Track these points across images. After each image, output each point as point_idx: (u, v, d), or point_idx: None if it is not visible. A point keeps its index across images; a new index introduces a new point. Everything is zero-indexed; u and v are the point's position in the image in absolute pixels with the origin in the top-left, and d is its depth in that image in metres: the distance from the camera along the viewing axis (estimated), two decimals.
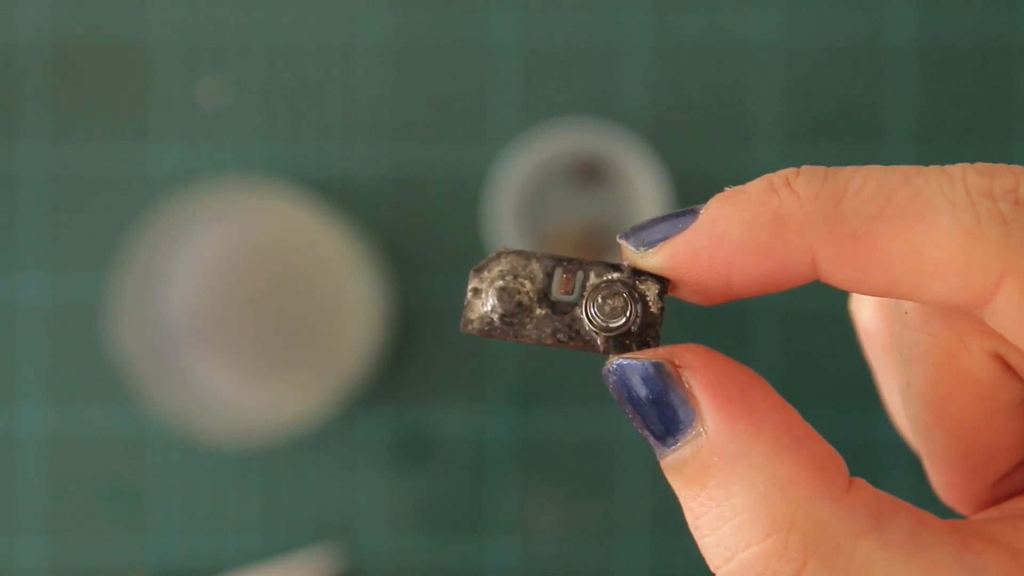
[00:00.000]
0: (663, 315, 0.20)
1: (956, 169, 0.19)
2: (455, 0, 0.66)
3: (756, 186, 0.19)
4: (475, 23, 0.66)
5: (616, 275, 0.21)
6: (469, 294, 0.21)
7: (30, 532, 0.67)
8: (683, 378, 0.20)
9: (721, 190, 0.20)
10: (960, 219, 0.18)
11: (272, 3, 0.66)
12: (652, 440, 0.20)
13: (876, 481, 0.19)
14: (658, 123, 0.65)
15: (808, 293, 0.64)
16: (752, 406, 0.19)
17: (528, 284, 0.21)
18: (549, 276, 0.21)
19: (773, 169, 0.20)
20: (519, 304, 0.21)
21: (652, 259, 0.20)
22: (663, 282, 0.20)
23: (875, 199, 0.19)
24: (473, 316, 0.21)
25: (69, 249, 0.67)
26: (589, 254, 0.65)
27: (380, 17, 0.66)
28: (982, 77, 0.65)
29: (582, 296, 0.21)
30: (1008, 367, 0.20)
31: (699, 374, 0.19)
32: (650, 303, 0.20)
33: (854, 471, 0.19)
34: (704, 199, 0.20)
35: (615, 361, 0.20)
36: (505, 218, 0.63)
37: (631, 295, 0.20)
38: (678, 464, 0.19)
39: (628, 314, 0.20)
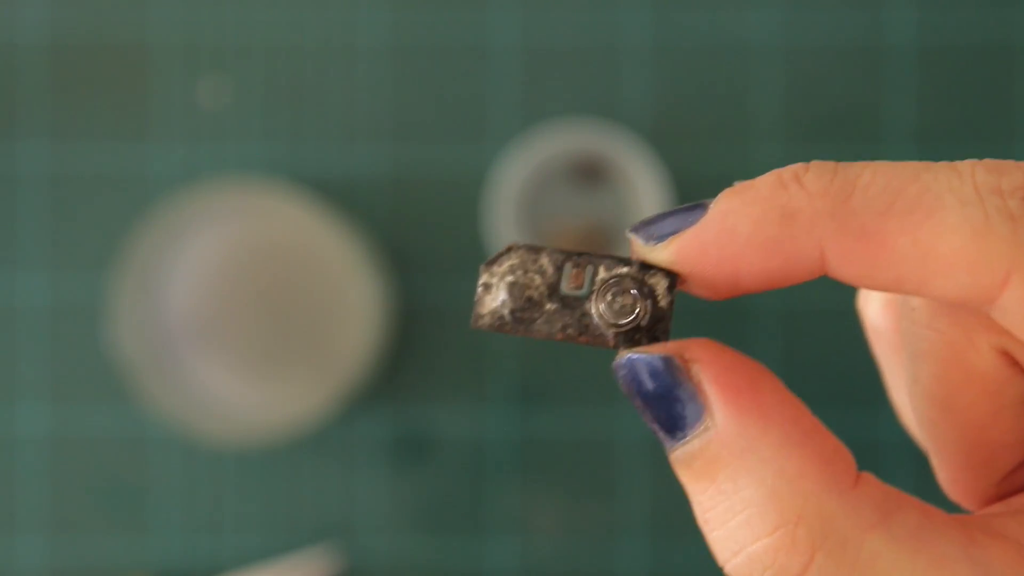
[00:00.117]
0: (672, 309, 0.21)
1: (965, 165, 0.19)
2: (455, 0, 0.66)
3: (765, 181, 0.20)
4: (475, 23, 0.66)
5: (626, 269, 0.21)
6: (479, 289, 0.21)
7: (30, 532, 0.67)
8: (692, 372, 0.20)
9: (723, 188, 0.20)
10: (968, 216, 0.18)
11: (272, 3, 0.66)
12: (661, 434, 0.20)
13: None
14: (658, 123, 0.65)
15: (809, 291, 0.64)
16: (761, 400, 0.19)
17: (538, 279, 0.21)
18: (559, 271, 0.21)
19: (772, 169, 0.20)
20: (529, 299, 0.21)
21: (661, 253, 0.20)
22: (672, 276, 0.21)
23: (884, 195, 0.19)
24: (484, 311, 0.21)
25: (69, 249, 0.67)
26: None
27: (380, 17, 0.66)
28: (982, 77, 0.65)
29: (592, 291, 0.21)
30: (1015, 363, 0.20)
31: (708, 368, 0.20)
32: (659, 297, 0.21)
33: None
34: (704, 199, 0.20)
35: (625, 355, 0.20)
36: (505, 218, 0.63)
37: (640, 290, 0.20)
38: (687, 458, 0.20)
39: (638, 309, 0.20)
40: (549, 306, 0.21)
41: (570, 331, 0.21)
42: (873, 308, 0.24)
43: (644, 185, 0.63)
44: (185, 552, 0.66)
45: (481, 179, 0.65)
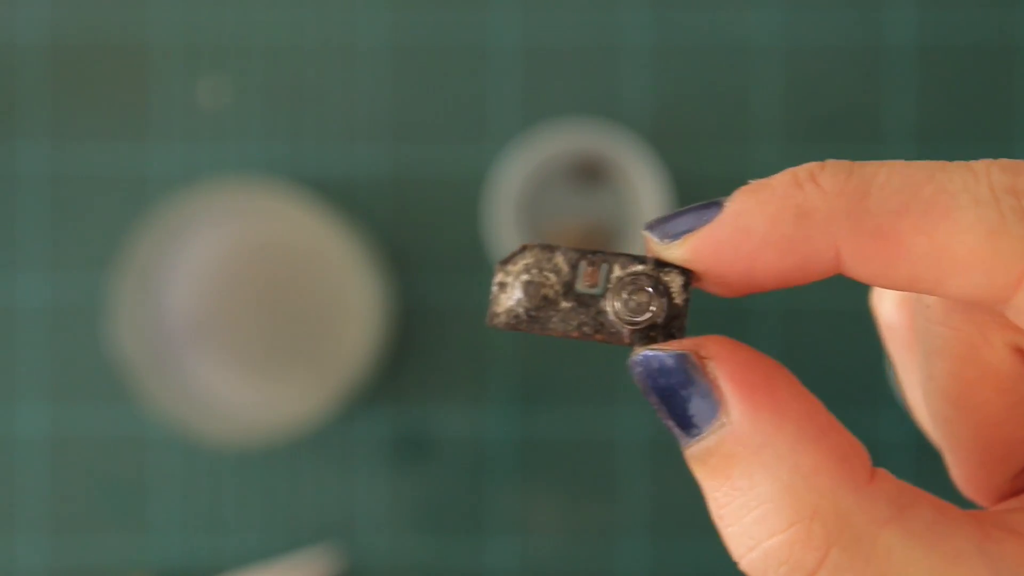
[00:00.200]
0: (688, 306, 0.21)
1: (980, 165, 0.19)
2: (455, 0, 0.66)
3: (781, 180, 0.20)
4: (475, 23, 0.66)
5: (640, 267, 0.21)
6: (495, 288, 0.21)
7: (30, 532, 0.67)
8: (708, 369, 0.20)
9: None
10: (983, 216, 0.18)
11: (272, 3, 0.66)
12: (676, 430, 0.20)
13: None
14: (658, 123, 0.65)
15: (809, 291, 0.64)
16: (776, 396, 0.19)
17: (553, 277, 0.21)
18: (574, 269, 0.21)
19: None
20: (545, 297, 0.21)
21: (676, 251, 0.20)
22: (687, 274, 0.21)
23: (899, 195, 0.19)
24: (499, 310, 0.21)
25: (69, 249, 0.67)
26: None
27: (380, 17, 0.66)
28: (982, 77, 0.65)
29: (607, 289, 0.21)
30: None
31: (724, 365, 0.20)
32: (674, 295, 0.21)
33: None
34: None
35: (641, 352, 0.20)
36: (505, 218, 0.63)
37: (656, 288, 0.21)
38: (702, 454, 0.20)
39: (653, 307, 0.20)
40: (564, 304, 0.21)
41: (586, 329, 0.21)
42: (887, 306, 0.24)
43: (644, 185, 0.63)
44: (185, 552, 0.66)
45: (481, 179, 0.65)
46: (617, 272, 0.21)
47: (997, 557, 0.18)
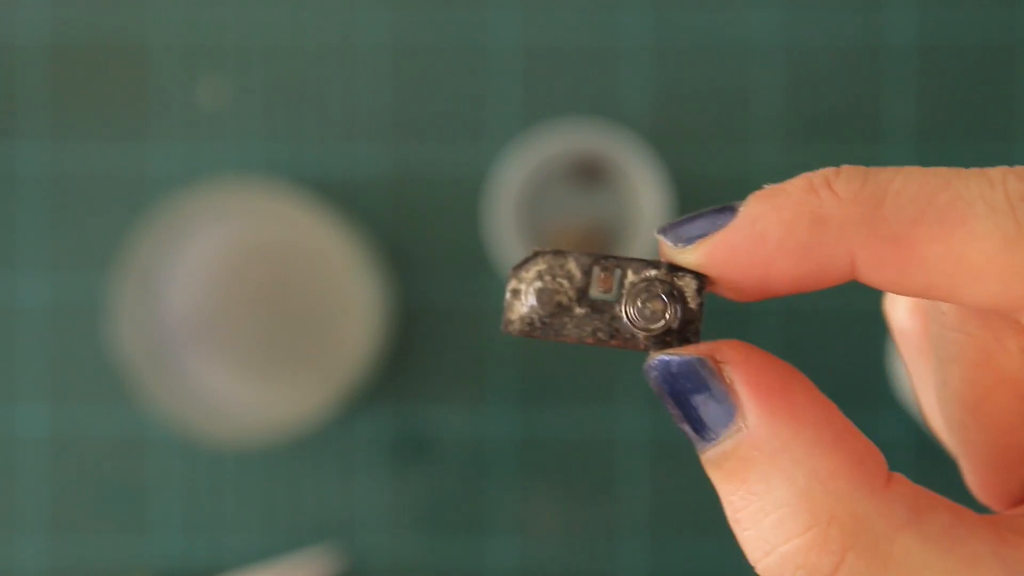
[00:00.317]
0: (702, 310, 0.21)
1: (996, 173, 0.19)
2: (455, 0, 0.66)
3: (796, 185, 0.20)
4: (475, 23, 0.66)
5: (654, 272, 0.21)
6: (508, 295, 0.21)
7: (30, 532, 0.67)
8: (724, 373, 0.20)
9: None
10: (1000, 224, 0.18)
11: (272, 3, 0.66)
12: (692, 435, 0.20)
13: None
14: (658, 123, 0.65)
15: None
16: (793, 401, 0.19)
17: (566, 283, 0.21)
18: (587, 274, 0.21)
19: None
20: (558, 304, 0.21)
21: (690, 256, 0.20)
22: (701, 278, 0.21)
23: (915, 202, 0.19)
24: (514, 317, 0.21)
25: (69, 249, 0.67)
26: None
27: (380, 17, 0.66)
28: (982, 77, 0.65)
29: (621, 294, 0.21)
30: None
31: (740, 369, 0.20)
32: (689, 299, 0.21)
33: None
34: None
35: (656, 357, 0.20)
36: (505, 218, 0.63)
37: (670, 293, 0.21)
38: (718, 458, 0.20)
39: (668, 313, 0.20)
40: (578, 310, 0.21)
41: (600, 335, 0.21)
42: (900, 311, 0.24)
43: (644, 185, 0.63)
44: (185, 552, 0.66)
45: (481, 179, 0.65)
46: (631, 277, 0.21)
47: (1013, 561, 0.18)
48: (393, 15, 0.66)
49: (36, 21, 0.67)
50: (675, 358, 0.20)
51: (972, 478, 0.22)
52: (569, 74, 0.66)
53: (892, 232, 0.19)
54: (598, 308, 0.21)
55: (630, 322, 0.21)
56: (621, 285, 0.21)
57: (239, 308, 0.66)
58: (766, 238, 0.19)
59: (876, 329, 0.64)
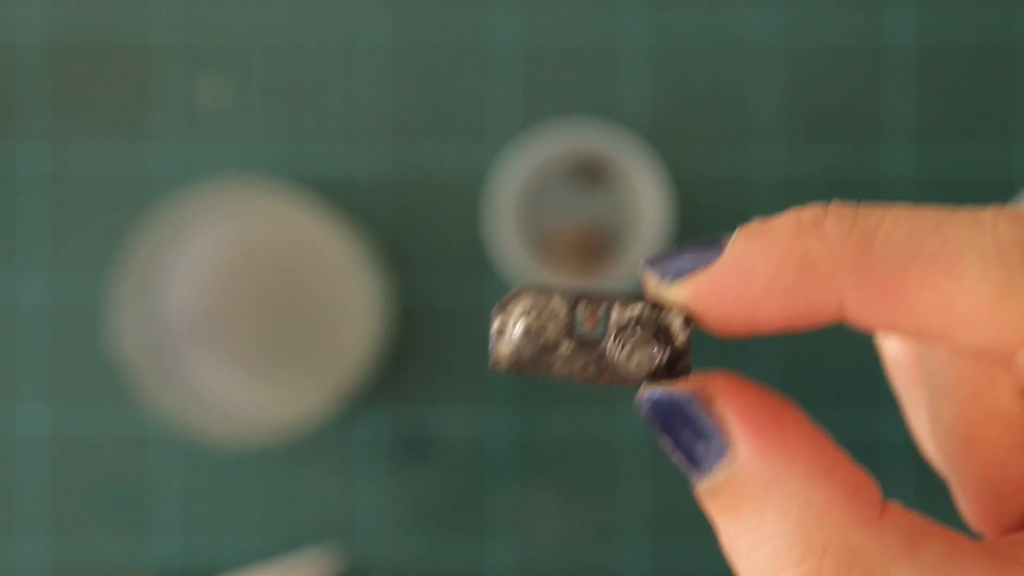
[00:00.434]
0: (690, 343, 0.21)
1: (987, 216, 0.19)
2: (455, 0, 0.66)
3: (784, 224, 0.19)
4: (475, 23, 0.66)
5: (640, 308, 0.21)
6: (494, 332, 0.21)
7: (30, 532, 0.67)
8: (715, 408, 0.20)
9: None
10: (989, 272, 0.18)
11: (272, 3, 0.66)
12: (686, 467, 0.20)
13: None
14: (658, 123, 0.65)
15: None
16: (785, 434, 0.19)
17: (552, 320, 0.21)
18: (572, 311, 0.21)
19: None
20: (545, 341, 0.21)
21: (677, 293, 0.20)
22: (687, 311, 0.21)
23: (905, 246, 0.19)
24: (501, 354, 0.21)
25: (69, 249, 0.67)
26: (589, 254, 0.65)
27: (380, 17, 0.66)
28: (982, 77, 0.65)
29: (607, 330, 0.21)
30: None
31: (731, 404, 0.20)
32: (676, 335, 0.21)
33: None
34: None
35: (647, 393, 0.20)
36: (505, 218, 0.63)
37: (657, 329, 0.20)
38: (712, 491, 0.20)
39: (655, 350, 0.20)
40: (566, 347, 0.21)
41: (589, 371, 0.21)
42: (892, 342, 0.24)
43: (644, 185, 0.63)
44: (185, 552, 0.66)
45: (481, 179, 0.65)
46: (616, 314, 0.21)
47: None
48: (393, 15, 0.66)
49: (36, 21, 0.67)
50: (665, 394, 0.20)
51: (966, 508, 0.22)
52: (569, 74, 0.66)
53: (881, 277, 0.19)
54: (585, 344, 0.21)
55: (618, 362, 0.21)
56: (607, 320, 0.21)
57: (239, 308, 0.66)
58: (753, 279, 0.19)
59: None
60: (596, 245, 0.65)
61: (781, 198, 0.64)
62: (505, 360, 0.21)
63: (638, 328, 0.20)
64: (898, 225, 0.19)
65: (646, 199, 0.63)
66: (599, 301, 0.21)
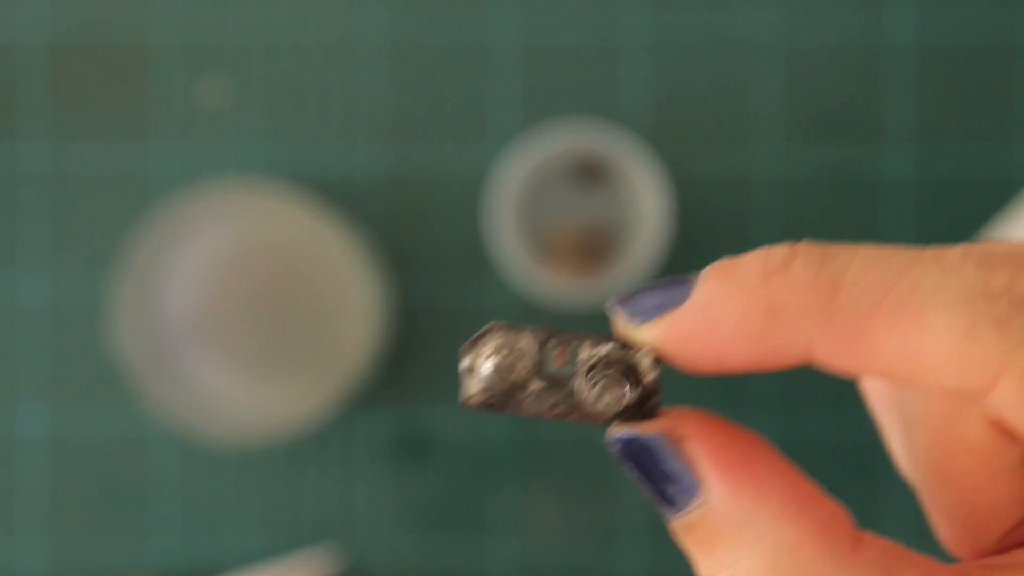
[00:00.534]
0: (660, 382, 0.21)
1: (954, 258, 0.19)
2: (455, 0, 0.66)
3: (751, 267, 0.19)
4: (475, 23, 0.66)
5: (608, 348, 0.21)
6: (464, 370, 0.21)
7: (30, 532, 0.67)
8: (685, 449, 0.20)
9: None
10: (955, 320, 0.18)
11: (272, 3, 0.66)
12: (659, 505, 0.20)
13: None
14: (658, 123, 0.65)
15: None
16: (755, 473, 0.19)
17: (522, 359, 0.21)
18: (542, 349, 0.21)
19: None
20: (515, 379, 0.21)
21: (644, 335, 0.20)
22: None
23: (871, 292, 0.19)
24: (471, 391, 0.21)
25: (69, 249, 0.67)
26: (589, 254, 0.65)
27: (380, 17, 0.66)
28: (982, 77, 0.65)
29: (577, 370, 0.21)
30: (1006, 431, 0.20)
31: (700, 444, 0.20)
32: (645, 373, 0.21)
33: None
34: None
35: (617, 433, 0.20)
36: (505, 218, 0.63)
37: (627, 368, 0.20)
38: (686, 529, 0.20)
39: (625, 389, 0.20)
40: (536, 385, 0.21)
41: (559, 409, 0.21)
42: None
43: (644, 185, 0.63)
44: (185, 552, 0.66)
45: (481, 179, 0.65)
46: (585, 353, 0.21)
47: None
48: (393, 15, 0.66)
49: (36, 21, 0.67)
50: (635, 435, 0.20)
51: (941, 533, 0.22)
52: (569, 74, 0.66)
53: (848, 324, 0.19)
54: (556, 383, 0.21)
55: (587, 401, 0.21)
56: (576, 359, 0.21)
57: (239, 308, 0.66)
58: (720, 324, 0.19)
59: None
60: (596, 245, 0.65)
61: (781, 198, 0.64)
62: (475, 397, 0.21)
63: (608, 367, 0.20)
64: (865, 269, 0.19)
65: (646, 199, 0.63)
66: (569, 340, 0.21)
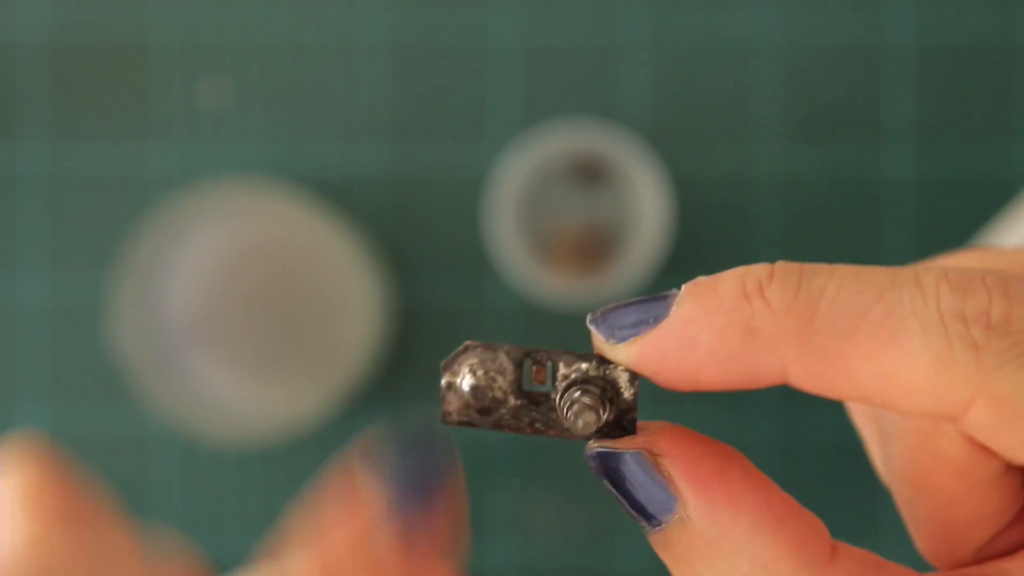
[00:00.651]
0: (637, 398, 0.21)
1: (930, 283, 0.19)
2: (455, 0, 0.66)
3: (729, 288, 0.19)
4: (475, 23, 0.66)
5: (585, 365, 0.21)
6: (443, 389, 0.21)
7: None
8: (662, 466, 0.20)
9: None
10: (931, 344, 0.18)
11: (272, 3, 0.66)
12: (636, 519, 0.20)
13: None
14: (658, 123, 0.65)
15: None
16: (730, 489, 0.19)
17: (500, 377, 0.21)
18: (519, 368, 0.21)
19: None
20: (493, 398, 0.21)
21: (621, 354, 0.20)
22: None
23: (847, 316, 0.19)
24: (450, 409, 0.21)
25: (69, 249, 0.67)
26: (589, 254, 0.65)
27: (380, 17, 0.66)
28: (982, 77, 0.65)
29: (554, 387, 0.21)
30: (982, 446, 0.20)
31: (676, 461, 0.20)
32: (622, 389, 0.21)
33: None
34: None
35: (594, 449, 0.20)
36: (505, 218, 0.63)
37: (604, 385, 0.21)
38: (663, 543, 0.20)
39: (603, 406, 0.20)
40: (514, 402, 0.21)
41: (538, 426, 0.21)
42: None
43: (644, 185, 0.63)
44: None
45: (481, 179, 0.65)
46: (562, 370, 0.21)
47: None
48: (393, 15, 0.66)
49: (36, 21, 0.67)
50: (612, 451, 0.20)
51: (919, 543, 0.23)
52: (569, 74, 0.66)
53: (824, 347, 0.19)
54: (534, 400, 0.21)
55: (565, 418, 0.21)
56: (554, 377, 0.21)
57: (239, 308, 0.66)
58: (697, 345, 0.19)
59: None
60: (596, 245, 0.65)
61: (781, 198, 0.64)
62: (454, 415, 0.21)
63: (585, 384, 0.21)
64: (841, 292, 0.19)
65: (646, 199, 0.63)
66: (545, 358, 0.21)
